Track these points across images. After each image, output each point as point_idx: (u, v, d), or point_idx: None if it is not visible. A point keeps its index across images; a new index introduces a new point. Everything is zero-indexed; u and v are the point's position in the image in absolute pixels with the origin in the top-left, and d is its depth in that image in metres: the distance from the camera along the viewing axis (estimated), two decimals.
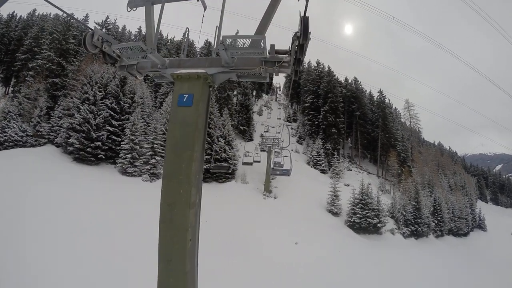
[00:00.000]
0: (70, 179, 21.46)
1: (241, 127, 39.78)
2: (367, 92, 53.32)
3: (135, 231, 16.47)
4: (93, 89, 28.49)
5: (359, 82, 52.12)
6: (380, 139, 45.37)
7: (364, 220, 24.02)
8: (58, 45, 35.08)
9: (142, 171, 25.97)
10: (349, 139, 50.04)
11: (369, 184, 38.55)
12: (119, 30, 54.04)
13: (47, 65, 33.63)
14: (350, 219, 24.56)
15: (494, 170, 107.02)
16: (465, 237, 40.06)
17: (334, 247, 20.83)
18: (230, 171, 23.23)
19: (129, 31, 56.60)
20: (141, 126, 27.78)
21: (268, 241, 19.28)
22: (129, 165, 26.07)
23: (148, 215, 18.73)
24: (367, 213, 24.21)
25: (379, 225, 24.77)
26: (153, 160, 26.17)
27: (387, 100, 49.55)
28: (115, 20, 53.41)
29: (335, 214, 26.05)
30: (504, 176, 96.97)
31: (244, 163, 22.49)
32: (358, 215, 24.11)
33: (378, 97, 48.68)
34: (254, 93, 58.90)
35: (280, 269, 16.51)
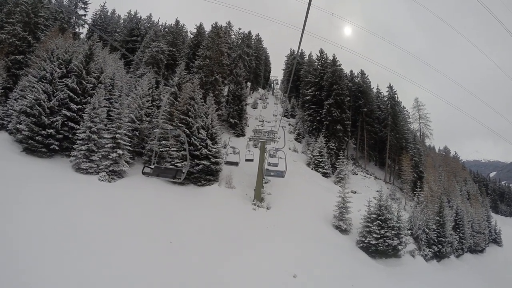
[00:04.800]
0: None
1: (231, 119, 34.07)
2: (374, 88, 47.86)
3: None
4: (52, 65, 23.03)
5: (366, 75, 46.59)
6: (389, 140, 39.99)
7: (382, 242, 18.56)
8: (25, 19, 30.02)
9: (100, 167, 20.40)
10: (352, 138, 44.57)
11: (378, 191, 33.47)
12: (108, 14, 50.17)
13: (10, 40, 28.19)
14: (363, 239, 19.06)
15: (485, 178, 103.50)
16: (482, 253, 35.26)
17: (345, 280, 15.34)
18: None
19: (118, 15, 51.56)
20: (103, 111, 22.04)
21: (256, 273, 13.72)
22: (84, 160, 20.44)
23: (91, 231, 12.90)
24: (385, 232, 18.75)
25: (399, 247, 19.38)
26: (115, 154, 20.51)
27: (396, 97, 44.01)
28: (104, 3, 49.05)
29: (344, 231, 20.51)
30: (504, 184, 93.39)
31: (227, 163, 16.85)
32: (374, 235, 18.62)
33: (388, 93, 43.23)
34: (249, 84, 53.13)
35: None
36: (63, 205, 14.48)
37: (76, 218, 13.77)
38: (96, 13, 48.65)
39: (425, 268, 21.62)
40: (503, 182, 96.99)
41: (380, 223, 18.89)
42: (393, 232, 18.97)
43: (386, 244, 18.65)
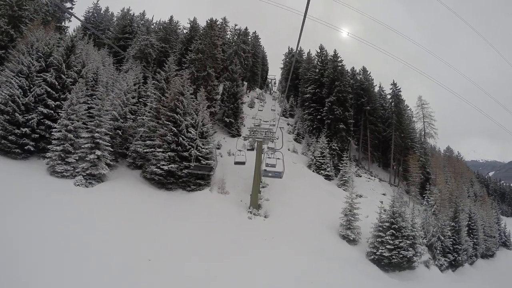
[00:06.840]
0: None
1: (226, 119, 31.82)
2: (376, 86, 45.73)
3: None
4: (30, 59, 20.94)
5: (368, 72, 44.48)
6: (394, 140, 37.83)
7: (396, 253, 16.32)
8: (9, 12, 28.26)
9: (77, 170, 18.10)
10: (354, 138, 42.34)
11: (384, 194, 31.27)
12: (101, 12, 48.03)
13: None
14: (375, 250, 16.79)
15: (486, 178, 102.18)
16: (492, 258, 33.20)
17: None
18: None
19: (111, 13, 49.57)
20: (81, 107, 19.83)
21: None
22: (60, 162, 18.18)
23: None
24: (400, 242, 16.52)
25: (414, 258, 17.15)
26: (93, 156, 18.21)
27: (400, 95, 41.83)
28: (98, 1, 47.03)
29: (352, 241, 18.23)
30: (504, 184, 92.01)
31: (196, 167, 14.95)
32: (388, 246, 16.37)
33: (392, 90, 41.14)
34: (246, 84, 50.92)
35: None
36: (20, 216, 12.12)
37: (37, 231, 11.44)
38: (88, 10, 46.80)
39: (441, 280, 19.39)
40: (502, 182, 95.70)
41: (394, 232, 16.65)
42: (407, 242, 16.75)
43: (401, 256, 16.43)
